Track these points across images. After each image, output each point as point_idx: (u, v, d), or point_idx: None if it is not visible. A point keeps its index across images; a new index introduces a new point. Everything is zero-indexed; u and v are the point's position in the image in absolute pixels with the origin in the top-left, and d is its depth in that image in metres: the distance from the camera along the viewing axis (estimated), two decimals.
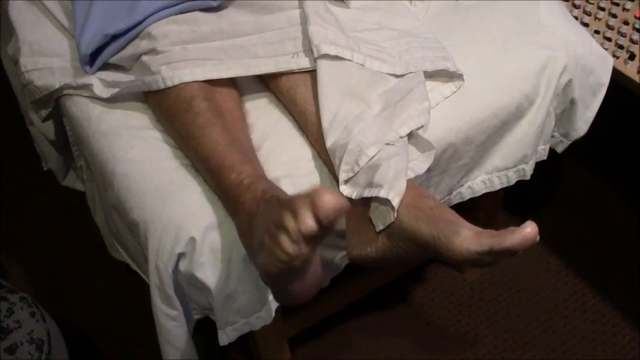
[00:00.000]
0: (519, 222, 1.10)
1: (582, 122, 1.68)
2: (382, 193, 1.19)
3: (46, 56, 1.58)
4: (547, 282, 2.13)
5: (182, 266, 1.30)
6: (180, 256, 1.29)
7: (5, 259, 2.23)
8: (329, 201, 0.95)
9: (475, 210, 1.90)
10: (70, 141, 1.67)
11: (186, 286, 1.34)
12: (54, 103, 1.59)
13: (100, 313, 2.11)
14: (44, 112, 1.65)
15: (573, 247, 2.21)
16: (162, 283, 1.32)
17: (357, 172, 1.25)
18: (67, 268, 2.21)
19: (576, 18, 1.83)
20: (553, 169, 2.35)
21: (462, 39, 1.55)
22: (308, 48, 1.39)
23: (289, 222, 0.99)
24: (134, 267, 1.55)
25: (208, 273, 1.30)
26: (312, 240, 1.01)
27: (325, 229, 0.98)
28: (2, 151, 2.50)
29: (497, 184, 1.57)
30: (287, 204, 1.01)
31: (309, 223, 0.97)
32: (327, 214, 0.95)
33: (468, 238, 1.14)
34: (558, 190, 2.34)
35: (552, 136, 1.66)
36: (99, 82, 1.47)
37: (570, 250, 2.19)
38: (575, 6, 1.87)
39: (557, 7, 1.65)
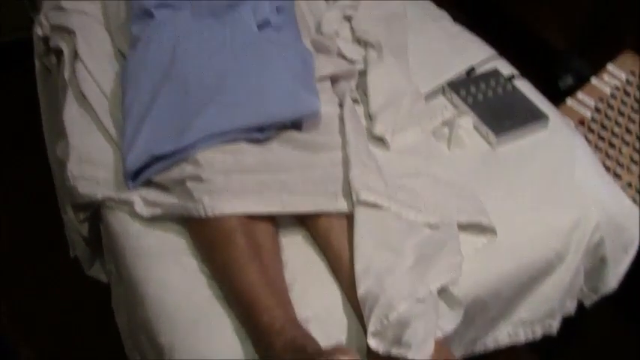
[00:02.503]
0: None
1: (612, 278, 1.69)
2: (410, 355, 1.21)
3: (93, 165, 1.62)
4: None
5: None
6: None
7: (18, 340, 2.24)
8: None
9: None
10: (103, 244, 1.70)
11: None
12: (94, 209, 1.63)
13: None
14: (82, 215, 1.69)
15: None
16: None
17: (386, 326, 1.26)
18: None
19: (608, 169, 1.86)
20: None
21: (497, 191, 1.59)
22: (348, 191, 1.43)
23: None
24: None
25: None
26: None
27: None
28: (31, 231, 2.53)
29: (522, 337, 1.59)
30: (313, 358, 1.03)
31: None
32: None
33: None
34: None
35: (581, 290, 1.67)
36: (140, 200, 1.51)
37: None
38: (608, 156, 1.90)
39: (592, 165, 1.68)
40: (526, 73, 1.92)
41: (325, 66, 1.69)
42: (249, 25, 1.66)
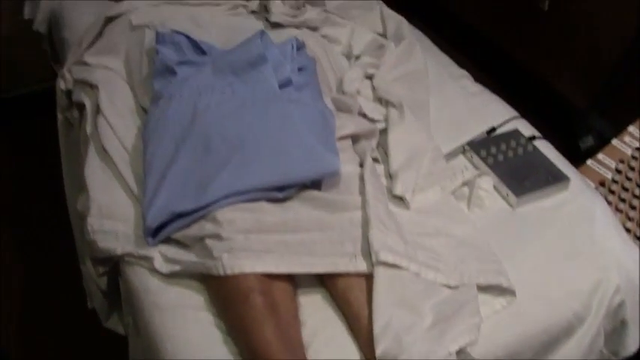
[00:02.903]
0: None
1: (633, 341, 1.67)
2: None
3: (113, 220, 1.63)
4: None
5: None
6: None
7: None
8: None
9: None
10: (122, 298, 1.70)
11: None
12: (113, 264, 1.63)
13: None
14: (101, 269, 1.69)
15: None
16: None
17: None
18: None
19: (629, 231, 1.85)
20: None
21: (517, 252, 1.58)
22: (367, 251, 1.42)
23: None
24: None
25: None
26: None
27: None
28: (48, 280, 2.53)
29: None
30: None
31: None
32: None
33: None
34: None
35: (601, 352, 1.65)
36: (159, 257, 1.51)
37: None
38: (629, 218, 1.90)
39: (612, 225, 1.67)
40: (547, 132, 1.93)
41: (346, 125, 1.70)
42: (271, 83, 1.67)
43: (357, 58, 2.09)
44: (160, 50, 1.83)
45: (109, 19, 2.11)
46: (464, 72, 2.18)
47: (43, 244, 2.65)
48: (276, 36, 1.95)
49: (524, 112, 1.98)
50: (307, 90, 1.72)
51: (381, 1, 2.42)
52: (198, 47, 1.86)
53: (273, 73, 1.71)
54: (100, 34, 2.11)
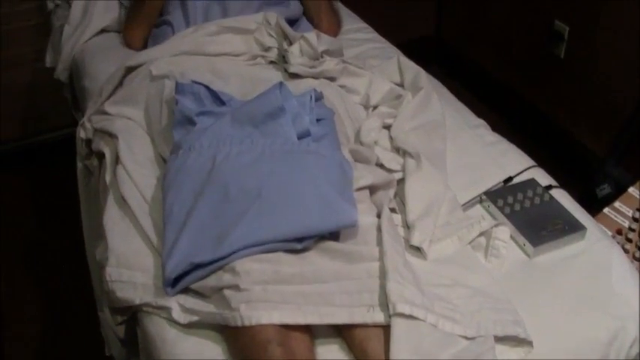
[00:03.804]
0: None
1: None
2: None
3: (131, 270, 1.64)
4: None
5: None
6: None
7: None
8: None
9: None
10: (139, 347, 1.71)
11: None
12: (131, 313, 1.64)
13: None
14: (119, 319, 1.70)
15: None
16: None
17: None
18: None
19: None
20: None
21: (534, 301, 1.58)
22: (384, 302, 1.43)
23: None
24: None
25: None
26: None
27: None
28: (66, 327, 2.54)
29: None
30: None
31: None
32: None
33: None
34: None
35: None
36: (178, 307, 1.52)
37: None
38: None
39: (629, 274, 1.67)
40: (564, 180, 1.93)
41: (364, 176, 1.71)
42: (289, 135, 1.69)
43: (375, 107, 2.11)
44: (180, 101, 1.85)
45: (130, 69, 2.15)
46: (481, 121, 2.19)
47: (61, 289, 2.66)
48: (294, 86, 1.97)
49: (542, 160, 1.99)
50: (325, 141, 1.73)
51: (399, 51, 2.45)
52: (217, 98, 1.88)
53: (292, 124, 1.72)
54: (120, 84, 2.14)
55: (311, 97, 1.83)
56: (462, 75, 3.84)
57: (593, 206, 2.04)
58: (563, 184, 1.91)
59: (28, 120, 3.36)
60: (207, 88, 1.89)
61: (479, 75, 3.80)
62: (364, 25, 2.80)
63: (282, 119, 1.72)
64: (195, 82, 1.91)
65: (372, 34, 2.72)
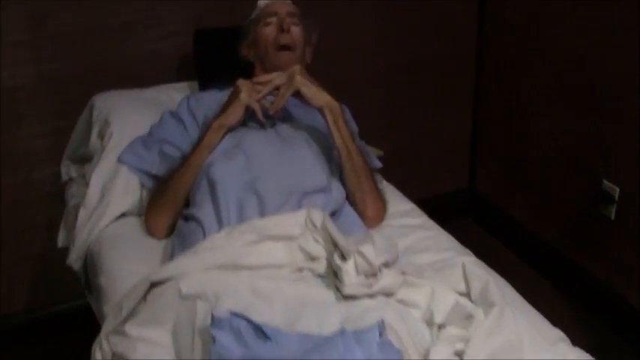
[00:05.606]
0: None
1: None
2: None
3: None
4: None
5: None
6: None
7: None
8: None
9: None
10: None
11: None
12: None
13: None
14: None
15: None
16: None
17: None
18: None
19: None
20: None
21: None
22: None
23: None
24: None
25: None
26: None
27: None
28: None
29: None
30: None
31: None
32: None
33: None
34: None
35: None
36: None
37: None
38: None
39: None
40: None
41: None
42: None
43: (440, 327, 1.82)
44: (217, 338, 1.56)
45: (154, 283, 1.85)
46: (559, 333, 1.93)
47: None
48: (348, 309, 1.74)
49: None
50: None
51: (468, 250, 2.21)
52: (260, 330, 1.59)
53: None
54: (143, 299, 1.85)
55: (379, 332, 1.60)
56: (497, 228, 3.81)
57: None
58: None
59: (39, 291, 3.21)
60: (248, 321, 1.61)
61: (516, 230, 3.72)
62: (411, 205, 2.53)
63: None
64: (234, 314, 1.62)
65: (421, 218, 2.46)
